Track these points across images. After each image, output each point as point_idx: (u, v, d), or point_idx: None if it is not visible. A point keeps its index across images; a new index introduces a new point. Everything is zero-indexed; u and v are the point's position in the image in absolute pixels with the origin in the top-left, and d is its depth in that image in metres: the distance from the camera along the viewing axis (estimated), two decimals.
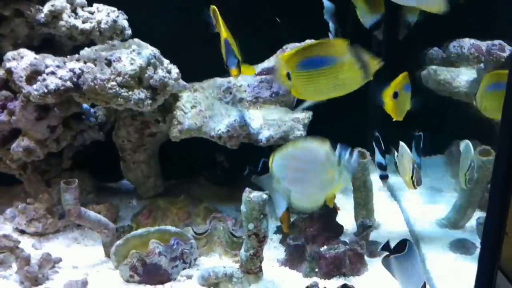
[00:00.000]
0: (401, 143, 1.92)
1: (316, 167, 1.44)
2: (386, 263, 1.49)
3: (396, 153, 1.97)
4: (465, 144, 1.96)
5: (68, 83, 1.78)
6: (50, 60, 1.83)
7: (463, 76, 2.20)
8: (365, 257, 1.90)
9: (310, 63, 1.51)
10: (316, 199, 1.48)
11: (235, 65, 1.59)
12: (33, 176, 2.04)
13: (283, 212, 1.76)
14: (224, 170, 2.25)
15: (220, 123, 1.86)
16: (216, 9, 1.75)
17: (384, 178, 1.99)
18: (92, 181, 2.16)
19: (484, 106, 1.77)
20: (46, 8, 1.93)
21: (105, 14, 2.04)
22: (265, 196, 1.65)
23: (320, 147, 1.44)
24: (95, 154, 2.22)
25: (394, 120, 1.75)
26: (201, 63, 2.14)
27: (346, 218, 2.10)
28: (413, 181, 1.88)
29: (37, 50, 2.02)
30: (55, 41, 2.09)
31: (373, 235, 1.99)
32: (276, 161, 1.47)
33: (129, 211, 2.17)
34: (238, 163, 2.14)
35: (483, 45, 2.17)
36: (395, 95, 1.73)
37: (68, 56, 1.90)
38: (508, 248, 1.72)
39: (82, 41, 2.08)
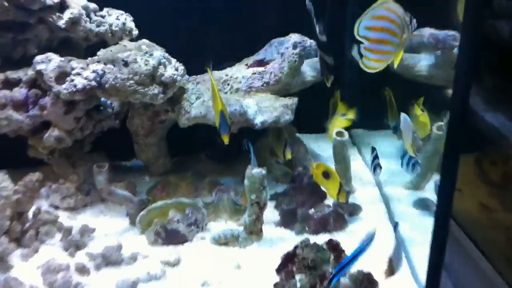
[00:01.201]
0: (403, 115, 2.13)
1: (397, 28, 1.58)
2: None
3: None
4: (403, 118, 2.15)
5: (93, 83, 2.10)
6: (75, 63, 2.13)
7: (423, 62, 2.53)
8: (345, 217, 2.20)
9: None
10: (388, 58, 1.62)
11: (227, 132, 1.85)
12: (60, 160, 2.35)
13: None
14: (222, 148, 2.48)
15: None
16: (215, 85, 1.90)
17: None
18: (109, 161, 2.43)
19: None
20: (66, 15, 2.22)
21: (115, 18, 2.34)
22: (264, 171, 2.00)
23: (399, 7, 1.58)
24: (110, 138, 2.52)
25: None
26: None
27: None
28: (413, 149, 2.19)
29: (56, 50, 2.29)
30: (72, 42, 2.38)
31: (351, 199, 2.28)
32: (364, 22, 1.57)
33: (143, 186, 2.48)
34: (234, 142, 2.47)
35: (440, 35, 2.46)
36: None
37: (89, 58, 2.19)
38: (459, 201, 2.11)
39: (95, 41, 2.38)
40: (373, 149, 2.17)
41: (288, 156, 2.18)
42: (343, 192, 2.01)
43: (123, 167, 2.39)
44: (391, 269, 1.82)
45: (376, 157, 2.16)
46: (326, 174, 2.01)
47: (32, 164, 2.46)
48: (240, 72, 2.40)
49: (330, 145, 2.39)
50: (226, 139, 1.85)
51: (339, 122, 2.28)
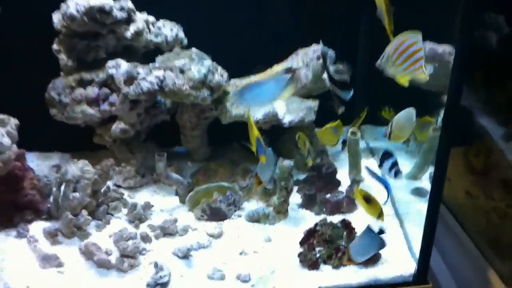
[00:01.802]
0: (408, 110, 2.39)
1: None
2: None
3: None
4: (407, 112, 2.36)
5: (155, 86, 2.48)
6: (140, 69, 2.52)
7: None
8: (356, 201, 2.57)
9: None
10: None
11: (263, 154, 2.08)
12: (121, 147, 2.73)
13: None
14: None
15: (258, 112, 2.59)
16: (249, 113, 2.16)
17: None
18: (159, 148, 2.84)
19: None
20: (132, 28, 2.59)
21: (169, 29, 2.71)
22: (292, 163, 2.40)
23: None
24: (159, 128, 2.89)
25: None
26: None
27: (343, 176, 2.71)
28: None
29: (120, 54, 2.68)
30: (133, 48, 2.75)
31: (360, 187, 2.60)
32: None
33: (187, 170, 2.84)
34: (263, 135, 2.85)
35: (439, 49, 2.79)
36: None
37: (151, 64, 2.57)
38: (450, 189, 2.41)
39: (152, 48, 2.77)
40: (391, 154, 2.33)
41: (310, 163, 2.54)
42: (383, 215, 2.26)
43: (169, 152, 2.79)
44: (349, 257, 2.13)
45: (395, 163, 2.32)
46: (368, 199, 2.26)
47: (93, 148, 2.87)
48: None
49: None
50: (263, 159, 2.12)
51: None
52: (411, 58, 1.97)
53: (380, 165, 2.39)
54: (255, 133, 2.07)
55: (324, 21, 2.91)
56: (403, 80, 2.06)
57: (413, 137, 2.88)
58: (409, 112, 2.32)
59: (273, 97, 2.08)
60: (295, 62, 2.82)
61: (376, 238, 2.09)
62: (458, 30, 1.76)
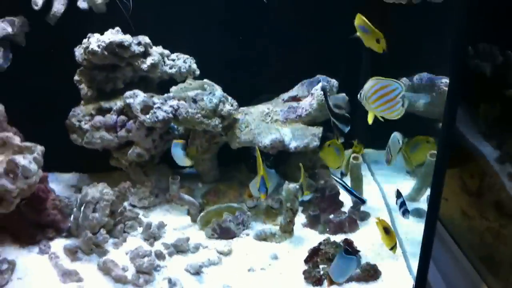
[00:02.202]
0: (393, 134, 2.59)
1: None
2: None
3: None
4: (393, 136, 2.59)
5: (170, 115, 2.66)
6: (156, 99, 2.70)
7: (422, 100, 3.00)
8: (358, 221, 2.69)
9: None
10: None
11: (265, 192, 2.37)
12: (136, 169, 2.88)
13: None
14: None
15: (265, 138, 2.74)
16: (259, 153, 2.42)
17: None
18: (171, 171, 2.98)
19: None
20: (148, 61, 2.78)
21: (182, 61, 2.89)
22: (297, 186, 2.52)
23: None
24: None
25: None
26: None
27: (345, 197, 2.81)
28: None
29: (136, 85, 2.86)
30: (148, 79, 2.93)
31: (362, 208, 2.77)
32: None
33: (198, 191, 2.97)
34: (269, 157, 2.89)
35: (437, 79, 2.97)
36: None
37: (166, 95, 2.74)
38: (446, 208, 2.45)
39: (166, 78, 2.94)
40: (399, 194, 2.45)
41: (306, 193, 2.68)
42: (396, 248, 2.34)
43: (180, 174, 2.90)
44: (330, 280, 2.20)
45: (403, 203, 2.43)
46: (387, 230, 2.33)
47: (108, 170, 3.02)
48: (278, 106, 2.98)
49: None
50: (263, 197, 2.40)
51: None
52: (387, 103, 2.15)
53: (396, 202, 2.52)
54: (260, 172, 2.30)
55: (328, 51, 3.08)
56: (370, 117, 2.22)
57: (402, 156, 3.01)
58: (394, 136, 2.56)
59: None
60: (300, 91, 2.99)
61: (351, 259, 2.13)
62: (451, 58, 1.89)
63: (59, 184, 3.01)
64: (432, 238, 2.09)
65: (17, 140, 2.39)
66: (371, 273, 2.30)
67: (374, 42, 2.12)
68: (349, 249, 2.18)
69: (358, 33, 2.14)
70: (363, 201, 2.68)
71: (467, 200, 2.54)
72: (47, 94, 2.82)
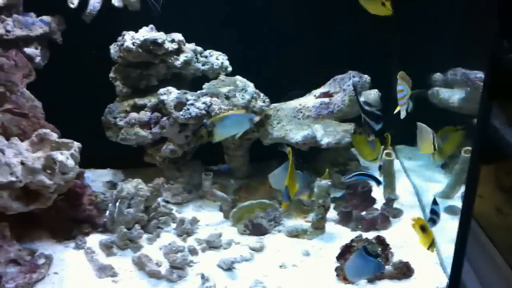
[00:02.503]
0: (419, 123, 2.59)
1: None
2: None
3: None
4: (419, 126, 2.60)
5: (203, 111, 2.67)
6: (189, 95, 2.71)
7: (456, 96, 2.96)
8: (390, 219, 2.67)
9: None
10: None
11: (287, 201, 2.29)
12: (170, 165, 2.90)
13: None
14: None
15: (297, 134, 2.74)
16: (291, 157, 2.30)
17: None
18: (204, 167, 3.01)
19: None
20: (181, 58, 2.80)
21: (215, 58, 2.90)
22: (329, 183, 2.52)
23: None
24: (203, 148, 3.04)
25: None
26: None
27: (378, 194, 2.81)
28: (434, 145, 2.52)
29: (169, 81, 2.88)
30: (181, 76, 2.94)
31: (395, 204, 2.75)
32: None
33: (230, 187, 2.97)
34: (300, 153, 2.83)
35: (470, 74, 2.90)
36: None
37: (199, 92, 2.75)
38: (481, 206, 2.44)
39: (199, 75, 2.95)
40: (435, 201, 2.37)
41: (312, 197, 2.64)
42: (433, 246, 2.25)
43: (213, 170, 2.91)
44: (344, 276, 2.20)
45: (434, 212, 2.34)
46: (423, 228, 2.24)
47: (142, 166, 3.03)
48: (310, 102, 2.96)
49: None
50: (284, 206, 2.37)
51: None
52: None
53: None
54: (287, 181, 2.27)
55: (360, 47, 3.06)
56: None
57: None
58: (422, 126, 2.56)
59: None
60: (332, 87, 2.97)
61: (369, 261, 2.03)
62: (487, 51, 1.83)
63: (95, 180, 3.04)
64: (466, 236, 2.01)
65: (54, 136, 2.42)
66: (404, 270, 2.28)
67: (380, 7, 2.08)
68: (369, 251, 2.06)
69: (361, 2, 2.13)
70: (378, 182, 2.60)
71: (503, 197, 2.54)
72: (83, 91, 2.87)
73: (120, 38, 2.78)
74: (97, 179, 3.08)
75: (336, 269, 2.29)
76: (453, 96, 2.98)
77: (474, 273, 2.57)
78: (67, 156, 2.34)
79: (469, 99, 2.93)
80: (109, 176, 3.14)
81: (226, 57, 2.94)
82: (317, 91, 3.01)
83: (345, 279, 2.22)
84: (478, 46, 2.51)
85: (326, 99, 2.92)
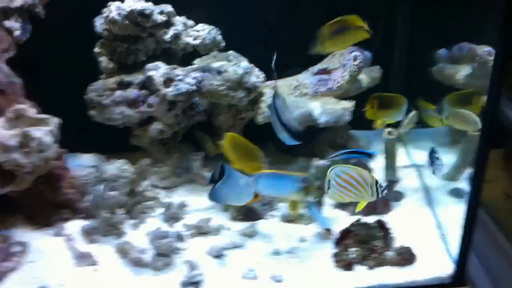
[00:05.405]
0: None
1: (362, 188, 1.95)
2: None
3: None
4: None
5: (193, 87, 2.46)
6: (178, 70, 2.50)
7: (462, 72, 2.80)
8: (391, 202, 2.50)
9: None
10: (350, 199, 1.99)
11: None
12: (158, 147, 2.70)
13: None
14: None
15: (294, 111, 2.51)
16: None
17: None
18: (194, 149, 2.76)
19: None
20: (171, 31, 2.60)
21: (207, 32, 2.67)
22: (327, 163, 2.35)
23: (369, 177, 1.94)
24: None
25: None
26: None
27: (378, 176, 2.58)
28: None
29: (158, 57, 2.66)
30: (171, 51, 2.73)
31: (396, 187, 2.61)
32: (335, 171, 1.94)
33: None
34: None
35: (477, 49, 2.73)
36: None
37: (189, 67, 2.55)
38: (488, 191, 2.31)
39: (190, 51, 2.74)
40: (433, 150, 2.40)
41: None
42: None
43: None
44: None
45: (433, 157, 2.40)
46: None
47: (130, 150, 2.79)
48: (308, 78, 2.74)
49: (377, 140, 2.74)
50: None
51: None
52: None
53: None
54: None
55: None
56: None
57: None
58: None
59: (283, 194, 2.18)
60: (331, 63, 2.75)
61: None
62: (499, 31, 1.68)
63: (78, 165, 2.76)
64: (474, 221, 1.94)
65: (32, 112, 2.19)
66: (406, 256, 2.10)
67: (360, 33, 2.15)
68: None
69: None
70: (370, 155, 2.40)
71: (511, 181, 2.40)
72: (64, 67, 2.60)
73: (105, 9, 2.55)
74: (81, 163, 2.83)
75: (334, 255, 2.12)
76: (458, 72, 2.81)
77: (480, 259, 2.43)
78: (45, 132, 2.11)
79: (475, 75, 2.75)
80: (93, 161, 2.85)
81: (219, 32, 2.71)
82: (315, 68, 2.79)
83: (344, 266, 2.06)
84: (487, 21, 2.36)
85: (325, 76, 2.70)
